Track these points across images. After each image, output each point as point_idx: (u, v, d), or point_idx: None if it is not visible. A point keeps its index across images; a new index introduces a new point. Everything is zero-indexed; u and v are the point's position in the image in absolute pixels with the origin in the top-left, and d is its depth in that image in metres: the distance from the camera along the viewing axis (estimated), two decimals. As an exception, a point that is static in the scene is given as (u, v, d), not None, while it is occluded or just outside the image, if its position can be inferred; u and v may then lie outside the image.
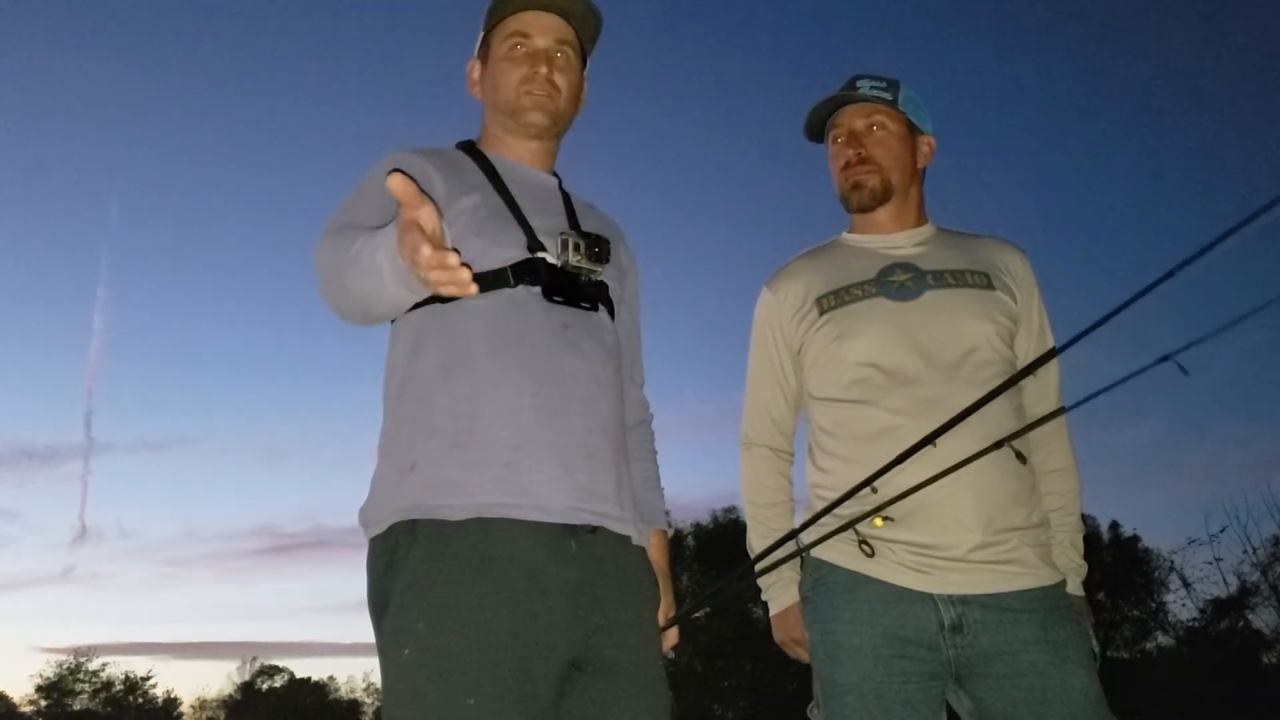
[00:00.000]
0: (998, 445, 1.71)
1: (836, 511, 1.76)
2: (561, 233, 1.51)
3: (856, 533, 1.75)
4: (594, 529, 1.42)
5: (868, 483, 1.70)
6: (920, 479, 1.68)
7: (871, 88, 1.95)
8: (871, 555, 1.74)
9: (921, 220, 1.99)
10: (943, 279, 1.88)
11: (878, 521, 1.73)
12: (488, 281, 1.44)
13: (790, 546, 1.88)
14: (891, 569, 1.74)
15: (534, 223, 1.52)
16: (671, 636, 1.66)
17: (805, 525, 1.83)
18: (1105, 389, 1.62)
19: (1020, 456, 1.76)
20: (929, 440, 1.66)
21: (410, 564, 1.35)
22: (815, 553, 1.83)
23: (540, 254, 1.48)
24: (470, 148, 1.65)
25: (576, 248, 1.50)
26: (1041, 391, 1.92)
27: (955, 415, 1.67)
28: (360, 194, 1.50)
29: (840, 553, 1.80)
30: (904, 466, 1.68)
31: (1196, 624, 24.87)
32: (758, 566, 1.92)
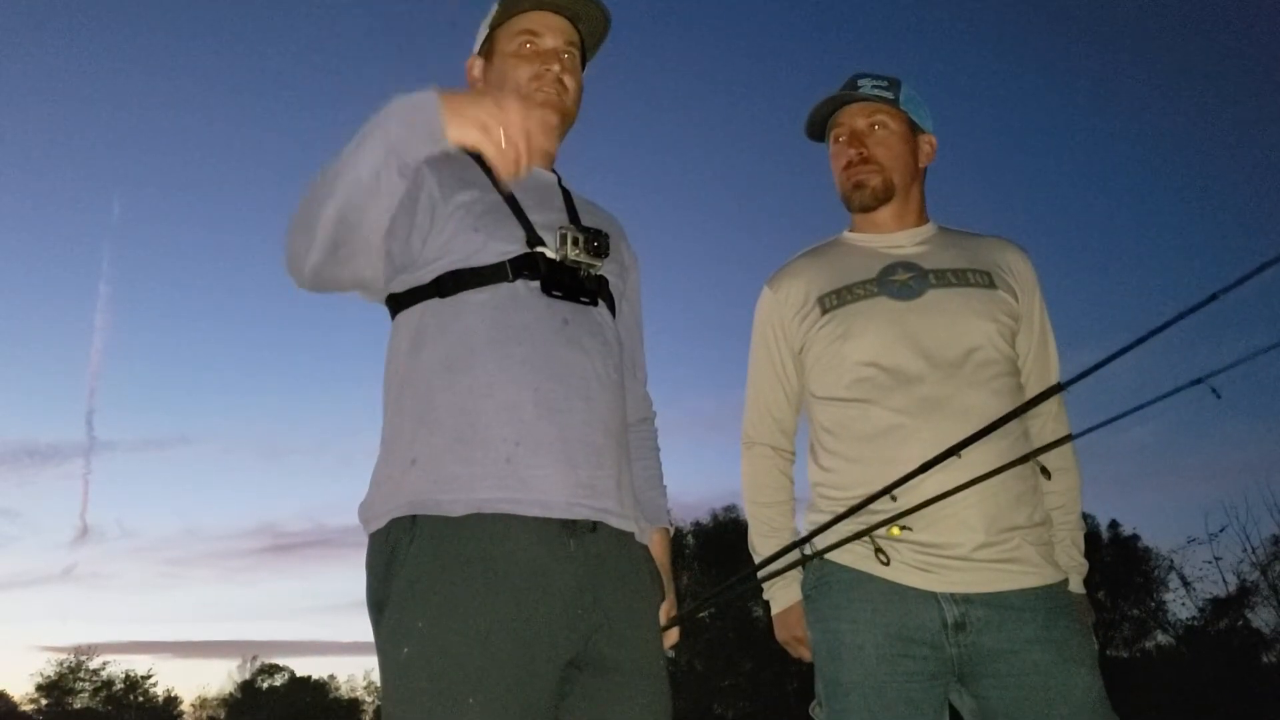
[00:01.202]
0: (1024, 459, 1.71)
1: (851, 518, 1.75)
2: (560, 227, 1.51)
3: (872, 540, 1.74)
4: (594, 525, 1.41)
5: (887, 491, 1.69)
6: (936, 485, 1.67)
7: (873, 87, 1.95)
8: (888, 564, 1.73)
9: (923, 219, 1.99)
10: (944, 278, 1.88)
11: (895, 530, 1.72)
12: (486, 276, 1.44)
13: (798, 551, 1.87)
14: (895, 568, 1.74)
15: (533, 218, 1.51)
16: (672, 635, 1.66)
17: (818, 531, 1.80)
18: (1138, 408, 1.60)
19: (1045, 472, 1.75)
20: (954, 451, 1.65)
21: (411, 562, 1.34)
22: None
23: (539, 248, 1.48)
24: None
25: (575, 242, 1.49)
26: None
27: (984, 428, 1.66)
28: None
29: (844, 552, 1.79)
30: (917, 472, 1.67)
31: (1196, 623, 24.85)
32: (770, 567, 1.91)
